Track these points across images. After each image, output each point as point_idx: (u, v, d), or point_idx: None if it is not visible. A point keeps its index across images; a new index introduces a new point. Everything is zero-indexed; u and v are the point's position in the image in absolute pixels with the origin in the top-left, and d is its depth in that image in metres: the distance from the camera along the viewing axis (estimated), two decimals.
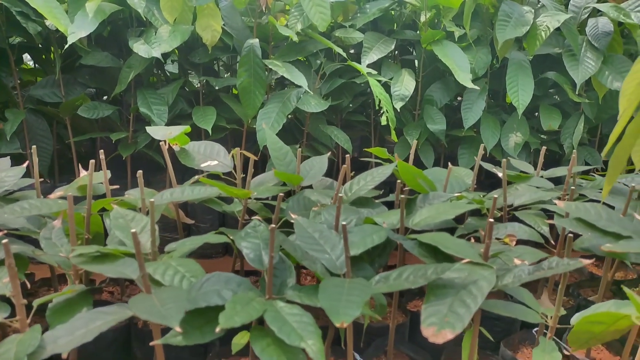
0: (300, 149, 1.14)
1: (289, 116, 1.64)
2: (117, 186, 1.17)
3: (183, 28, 1.45)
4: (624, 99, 0.64)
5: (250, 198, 1.06)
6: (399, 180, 0.95)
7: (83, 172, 1.13)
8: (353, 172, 1.14)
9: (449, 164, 1.20)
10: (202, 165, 1.18)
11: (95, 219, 0.98)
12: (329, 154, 1.24)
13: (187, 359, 1.01)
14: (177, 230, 1.19)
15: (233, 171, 1.17)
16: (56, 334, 0.60)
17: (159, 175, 1.82)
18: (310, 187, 1.19)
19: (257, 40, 1.46)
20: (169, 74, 1.89)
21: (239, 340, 0.85)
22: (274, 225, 0.65)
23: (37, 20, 1.48)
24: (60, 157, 1.79)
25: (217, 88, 1.61)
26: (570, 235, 0.70)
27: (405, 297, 1.19)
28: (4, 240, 0.57)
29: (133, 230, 0.60)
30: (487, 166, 1.23)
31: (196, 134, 1.64)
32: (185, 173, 1.85)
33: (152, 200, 0.75)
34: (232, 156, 1.16)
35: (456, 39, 1.56)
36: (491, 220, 0.67)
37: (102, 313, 0.62)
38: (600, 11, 1.54)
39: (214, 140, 1.24)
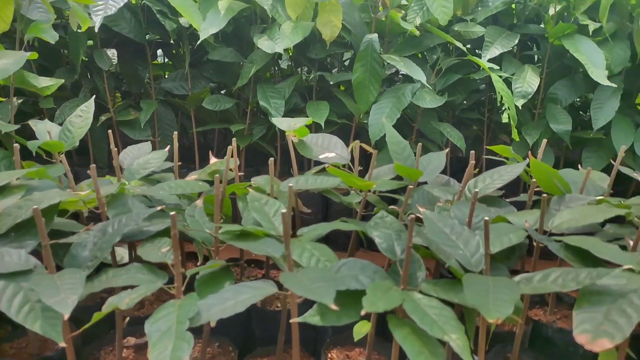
0: (420, 144, 1.13)
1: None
2: (242, 173, 1.24)
3: (305, 24, 1.50)
4: None
5: (370, 190, 1.07)
6: (533, 179, 0.90)
7: (212, 159, 1.21)
8: (477, 170, 1.10)
9: (580, 166, 1.12)
10: (320, 156, 1.20)
11: (226, 201, 1.04)
12: (447, 150, 1.21)
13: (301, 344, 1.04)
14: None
15: (350, 164, 1.19)
16: (209, 302, 0.65)
17: (267, 167, 1.90)
18: (425, 183, 1.17)
19: (376, 35, 1.46)
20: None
21: (360, 329, 0.86)
22: (413, 216, 0.65)
23: (172, 18, 1.61)
24: (180, 146, 1.94)
25: (331, 83, 1.64)
26: None
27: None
28: (172, 213, 0.63)
29: (283, 211, 0.63)
30: (627, 171, 1.12)
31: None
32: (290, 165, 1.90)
33: (290, 185, 0.78)
34: (352, 149, 1.17)
35: (590, 33, 1.44)
36: None
37: (248, 287, 0.66)
38: None
39: None
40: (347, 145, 1.23)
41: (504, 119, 1.37)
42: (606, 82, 1.33)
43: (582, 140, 1.56)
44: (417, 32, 1.44)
